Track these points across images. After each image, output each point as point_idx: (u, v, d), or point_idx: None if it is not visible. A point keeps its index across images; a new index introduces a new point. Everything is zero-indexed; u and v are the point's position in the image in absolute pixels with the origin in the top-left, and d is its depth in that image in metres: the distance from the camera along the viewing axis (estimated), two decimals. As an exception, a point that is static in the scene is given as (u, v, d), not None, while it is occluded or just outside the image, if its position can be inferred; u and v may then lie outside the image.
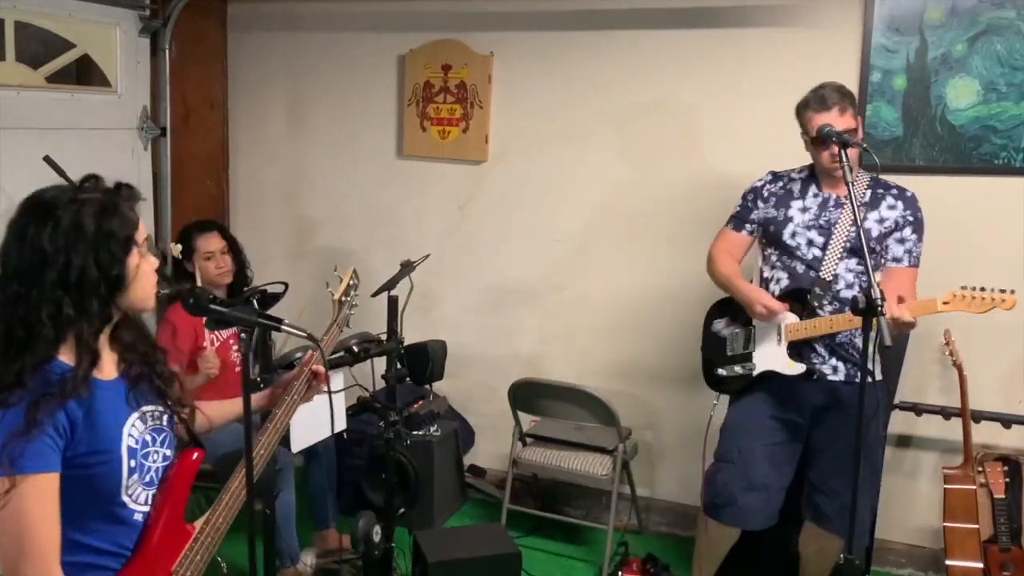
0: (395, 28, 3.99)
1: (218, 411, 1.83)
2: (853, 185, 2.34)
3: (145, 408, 1.56)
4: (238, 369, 3.28)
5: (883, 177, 2.83)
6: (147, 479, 1.55)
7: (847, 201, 2.70)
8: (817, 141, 2.62)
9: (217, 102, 4.28)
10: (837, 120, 2.60)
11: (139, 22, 3.67)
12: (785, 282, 2.78)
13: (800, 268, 2.75)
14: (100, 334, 1.47)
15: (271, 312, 3.00)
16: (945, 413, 3.24)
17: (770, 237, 2.83)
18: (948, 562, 2.96)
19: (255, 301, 2.56)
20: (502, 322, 4.05)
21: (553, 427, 3.70)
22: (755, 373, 2.76)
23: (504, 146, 3.91)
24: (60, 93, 3.38)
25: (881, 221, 2.73)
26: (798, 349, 2.72)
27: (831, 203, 2.76)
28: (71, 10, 3.35)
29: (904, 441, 3.48)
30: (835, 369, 2.75)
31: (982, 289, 2.42)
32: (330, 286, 2.22)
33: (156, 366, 1.59)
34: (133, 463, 1.50)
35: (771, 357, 2.73)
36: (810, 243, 2.75)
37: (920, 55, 3.26)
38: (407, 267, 3.11)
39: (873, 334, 2.12)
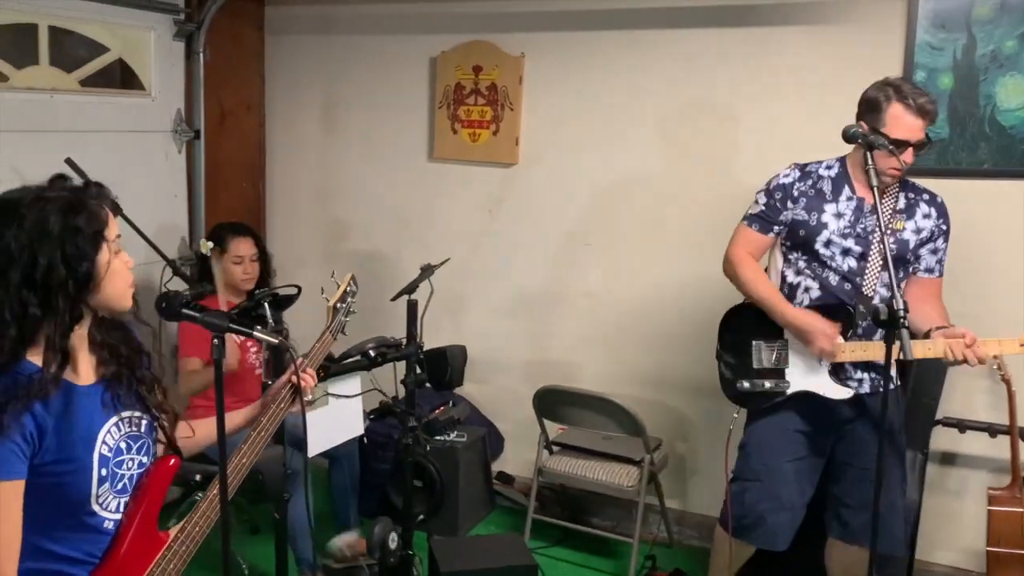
0: (427, 30, 3.96)
1: (205, 430, 1.77)
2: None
3: (124, 413, 1.54)
4: (257, 372, 3.31)
5: (911, 179, 2.67)
6: (119, 487, 1.52)
7: (882, 207, 2.53)
8: (898, 143, 2.37)
9: (253, 105, 4.31)
10: (923, 131, 2.41)
11: (174, 26, 3.70)
12: (816, 292, 2.60)
13: (833, 279, 2.57)
14: (69, 334, 1.44)
15: (284, 314, 3.04)
16: (992, 430, 3.07)
17: (798, 241, 2.61)
18: (988, 589, 2.80)
19: (267, 304, 2.54)
20: (532, 327, 3.99)
21: (580, 436, 3.62)
22: (789, 392, 2.59)
23: (535, 148, 3.85)
24: (93, 96, 3.43)
25: (918, 231, 2.58)
26: (833, 368, 2.59)
27: (866, 208, 2.56)
28: (105, 15, 3.40)
29: (948, 459, 3.32)
30: (860, 382, 2.62)
31: None
32: (325, 292, 2.18)
33: (137, 370, 1.57)
34: (104, 472, 1.48)
35: (810, 377, 2.57)
36: (846, 252, 2.56)
37: (968, 53, 3.10)
38: (427, 271, 3.06)
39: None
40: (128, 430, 1.54)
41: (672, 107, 3.57)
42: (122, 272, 1.49)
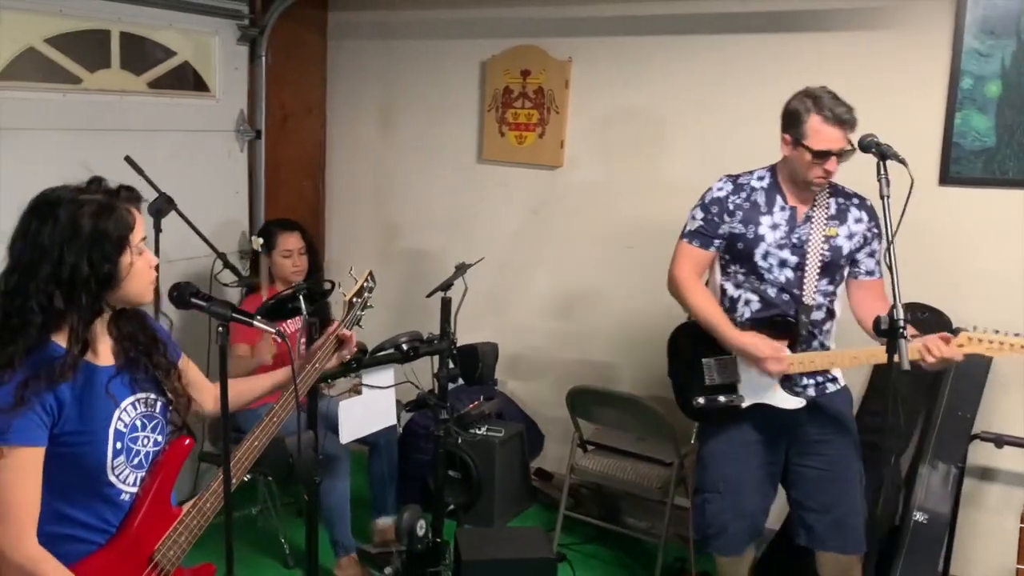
0: (478, 35, 4.07)
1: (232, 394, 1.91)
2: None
3: (140, 395, 1.68)
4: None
5: (839, 184, 2.65)
6: (135, 462, 1.66)
7: (813, 215, 2.56)
8: (820, 154, 2.41)
9: (315, 107, 4.49)
10: (844, 140, 2.41)
11: (237, 31, 3.91)
12: (756, 305, 2.62)
13: (772, 291, 2.58)
14: (91, 325, 1.59)
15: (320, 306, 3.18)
16: (1031, 446, 3.00)
17: (736, 254, 2.62)
18: (1017, 610, 2.73)
19: (301, 296, 2.67)
20: (574, 327, 4.05)
21: (615, 436, 3.67)
22: (744, 406, 2.61)
23: (579, 151, 3.91)
24: (161, 98, 3.65)
25: (851, 237, 2.59)
26: (783, 378, 2.59)
27: (799, 218, 2.58)
28: (173, 21, 3.62)
29: (989, 474, 3.25)
30: (806, 387, 2.63)
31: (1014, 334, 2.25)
32: (342, 286, 2.30)
33: (154, 356, 1.71)
34: (119, 445, 1.62)
35: (762, 390, 2.59)
36: (783, 263, 2.57)
37: (1017, 59, 3.03)
38: (461, 269, 3.16)
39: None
40: (143, 410, 1.68)
41: (715, 112, 3.58)
42: (143, 271, 1.62)
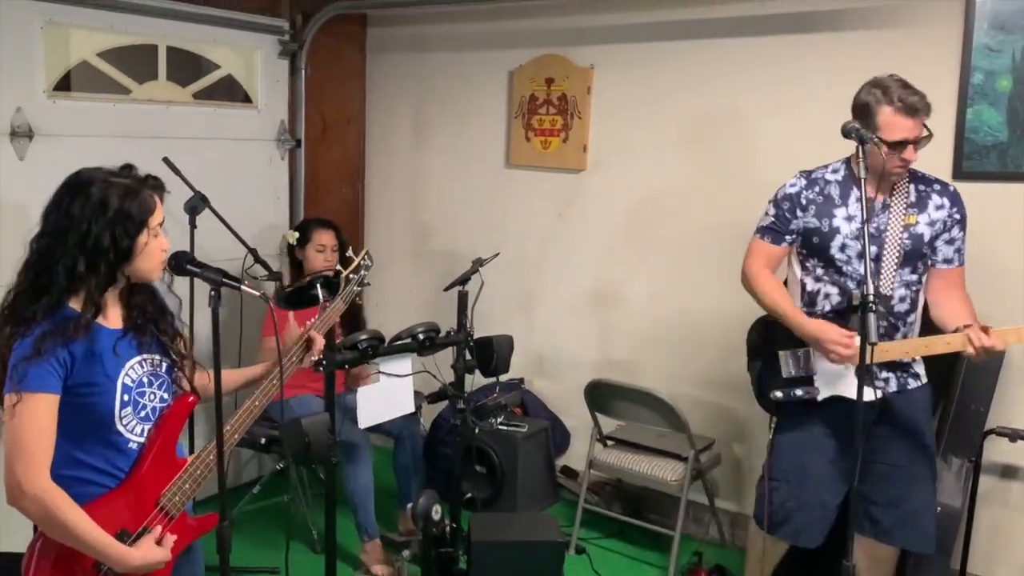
0: (506, 46, 4.22)
1: (232, 378, 2.08)
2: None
3: (147, 356, 1.85)
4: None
5: (919, 169, 2.64)
6: (143, 414, 1.82)
7: (892, 203, 2.55)
8: (895, 145, 2.40)
9: (354, 117, 4.71)
10: (920, 128, 2.43)
11: (279, 45, 4.14)
12: (837, 298, 2.60)
13: (851, 284, 2.56)
14: (105, 292, 1.77)
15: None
16: (1047, 442, 2.97)
17: (813, 249, 2.62)
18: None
19: (319, 285, 2.81)
20: (598, 326, 4.14)
21: (636, 432, 3.74)
22: (820, 398, 2.60)
23: (602, 155, 4.02)
24: (205, 108, 3.89)
25: (932, 224, 2.57)
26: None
27: (877, 207, 2.56)
28: (217, 36, 3.87)
29: (1010, 472, 3.21)
30: (887, 381, 2.63)
31: None
32: (340, 265, 2.45)
33: (160, 324, 1.89)
34: (127, 397, 1.78)
35: (838, 382, 2.58)
36: (861, 255, 2.53)
37: (1028, 54, 3.04)
38: (478, 263, 3.30)
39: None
40: (150, 369, 1.85)
41: (734, 114, 3.65)
42: (156, 252, 1.80)
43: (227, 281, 1.74)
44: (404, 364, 3.19)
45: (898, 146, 2.40)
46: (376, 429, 3.57)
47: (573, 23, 4.02)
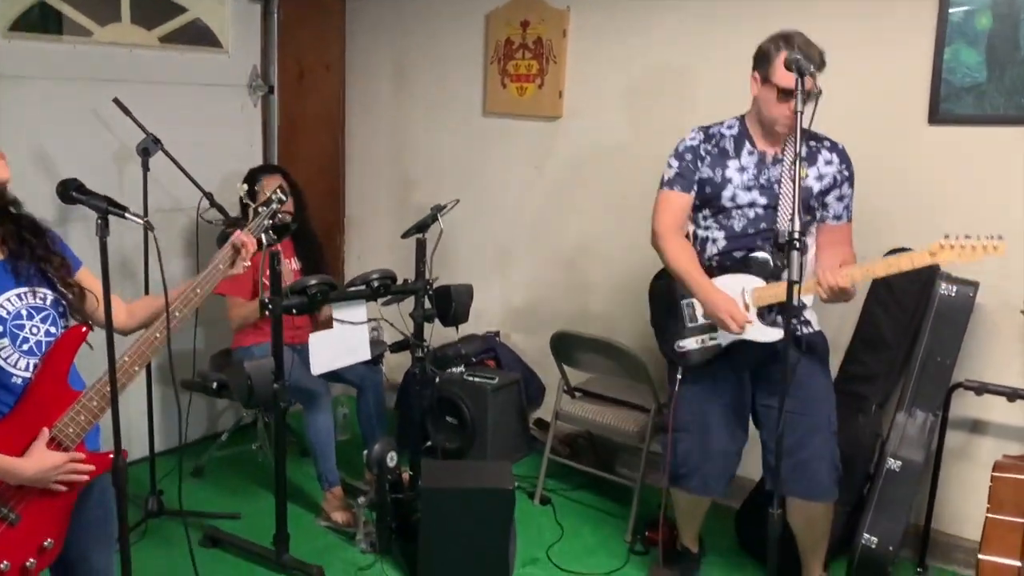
0: (483, -14, 4.11)
1: (141, 312, 2.03)
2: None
3: (28, 288, 1.81)
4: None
5: (811, 129, 2.54)
6: (25, 348, 1.78)
7: (784, 157, 2.55)
8: (786, 92, 2.39)
9: (333, 63, 4.63)
10: (810, 81, 2.33)
11: (249, -12, 4.06)
12: (723, 242, 2.64)
13: (738, 226, 2.59)
14: None
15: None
16: (1013, 395, 2.88)
17: (705, 198, 2.65)
18: (980, 556, 2.62)
19: (269, 228, 2.74)
20: (575, 279, 4.07)
21: (603, 384, 3.69)
22: (724, 344, 2.60)
23: (578, 102, 3.92)
24: (172, 52, 3.83)
25: (820, 178, 2.59)
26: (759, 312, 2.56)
27: (768, 160, 2.58)
28: (183, -23, 3.80)
29: (979, 427, 3.12)
30: (775, 323, 2.58)
31: (968, 237, 2.16)
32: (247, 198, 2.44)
33: (39, 252, 1.83)
34: (1, 329, 1.75)
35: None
36: (751, 204, 2.58)
37: (1009, -11, 2.88)
38: (436, 210, 3.23)
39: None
40: (31, 301, 1.81)
41: (711, 59, 3.52)
42: None
43: (112, 209, 1.69)
44: (359, 311, 3.16)
45: (787, 94, 2.38)
46: (338, 379, 3.55)
47: (549, -38, 3.90)
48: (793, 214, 1.96)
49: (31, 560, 1.77)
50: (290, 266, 3.62)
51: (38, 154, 3.38)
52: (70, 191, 1.71)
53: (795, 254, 1.93)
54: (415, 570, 3.01)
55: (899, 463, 2.95)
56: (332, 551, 3.23)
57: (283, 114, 4.35)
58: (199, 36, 3.95)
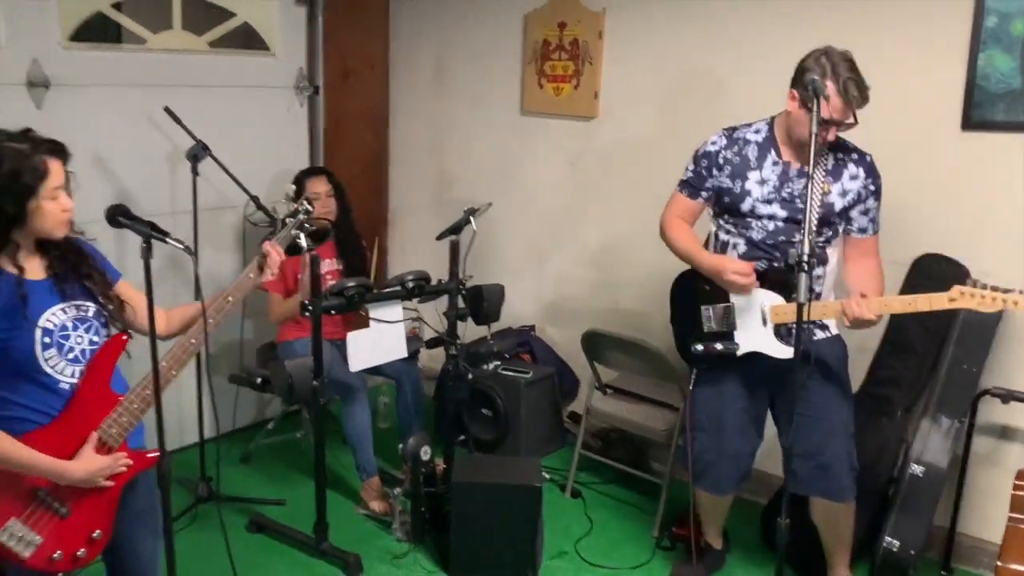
0: (522, -13, 4.17)
1: (177, 320, 2.19)
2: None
3: (72, 302, 1.96)
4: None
5: (841, 137, 2.59)
6: (70, 356, 1.94)
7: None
8: (824, 122, 2.35)
9: (378, 62, 4.74)
10: (846, 116, 2.39)
11: (295, -8, 4.19)
12: (743, 248, 2.67)
13: (757, 236, 2.62)
14: (7, 249, 1.87)
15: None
16: (1039, 403, 2.88)
17: (725, 206, 2.69)
18: (999, 563, 2.65)
19: (304, 235, 2.86)
20: (608, 276, 4.14)
21: (634, 381, 3.76)
22: (739, 353, 2.66)
23: (613, 102, 3.97)
24: (221, 56, 3.98)
25: (844, 194, 2.58)
26: (776, 328, 2.62)
27: (792, 172, 2.58)
28: (231, -16, 3.94)
29: (1008, 434, 3.13)
30: (790, 331, 2.62)
31: (991, 288, 2.22)
32: (277, 209, 2.56)
33: (83, 270, 1.99)
34: (48, 340, 1.89)
35: (757, 338, 2.63)
36: (772, 216, 2.60)
37: (1046, -5, 2.85)
38: (470, 213, 3.33)
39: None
40: (75, 314, 1.96)
41: (747, 60, 3.54)
42: (52, 214, 1.87)
43: (155, 234, 1.83)
44: (394, 311, 3.28)
45: (824, 124, 2.37)
46: (378, 372, 3.69)
47: (587, -36, 3.94)
48: (803, 238, 2.00)
49: (82, 550, 1.94)
50: (332, 265, 3.76)
51: (95, 158, 3.56)
52: (116, 216, 1.85)
53: (803, 276, 1.97)
54: (447, 560, 3.14)
55: (922, 468, 2.97)
56: (370, 539, 3.38)
57: (328, 113, 4.48)
58: (247, 40, 4.10)
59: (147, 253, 1.83)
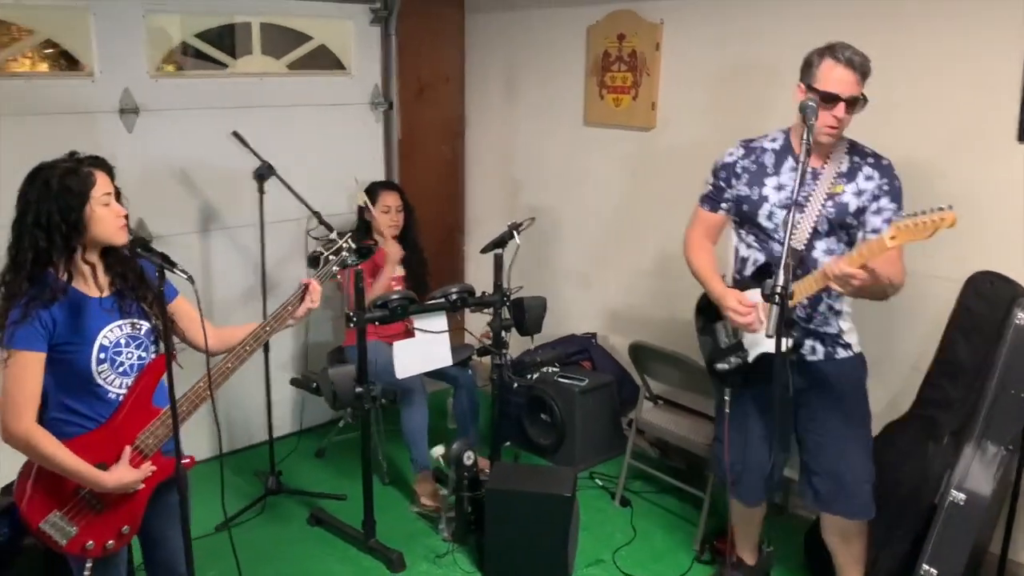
0: (584, 2, 4.22)
1: (217, 341, 2.39)
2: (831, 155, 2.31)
3: (128, 320, 2.19)
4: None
5: (860, 142, 2.58)
6: (121, 370, 2.17)
7: (822, 172, 2.53)
8: (828, 98, 2.38)
9: (452, 77, 4.91)
10: (854, 87, 2.36)
11: (370, 13, 4.41)
12: (763, 262, 2.67)
13: (777, 248, 2.59)
14: (72, 258, 2.09)
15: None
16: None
17: (744, 216, 2.69)
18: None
19: (349, 252, 3.03)
20: (667, 286, 4.15)
21: (682, 393, 3.77)
22: (751, 359, 2.66)
23: (671, 113, 3.97)
24: (299, 77, 4.25)
25: (859, 194, 2.53)
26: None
27: (808, 176, 2.54)
28: (308, 11, 4.19)
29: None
30: (813, 350, 2.66)
31: (920, 213, 2.13)
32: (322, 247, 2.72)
33: (139, 290, 2.22)
34: (103, 355, 2.13)
35: (761, 338, 2.61)
36: (787, 222, 2.51)
37: (1107, -2, 2.68)
38: (513, 228, 3.44)
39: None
40: (129, 331, 2.19)
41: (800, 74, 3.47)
42: (108, 219, 2.10)
43: (166, 265, 2.04)
44: (439, 321, 3.44)
45: (830, 100, 2.38)
46: (440, 376, 3.87)
47: (643, -23, 3.96)
48: (781, 268, 1.99)
49: (111, 541, 2.19)
50: (399, 271, 3.97)
51: (183, 176, 3.89)
52: (136, 249, 2.07)
53: (774, 309, 1.97)
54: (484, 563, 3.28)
55: (964, 496, 2.86)
56: (417, 537, 3.56)
57: (404, 126, 4.69)
58: (324, 60, 4.35)
59: (162, 280, 2.04)
